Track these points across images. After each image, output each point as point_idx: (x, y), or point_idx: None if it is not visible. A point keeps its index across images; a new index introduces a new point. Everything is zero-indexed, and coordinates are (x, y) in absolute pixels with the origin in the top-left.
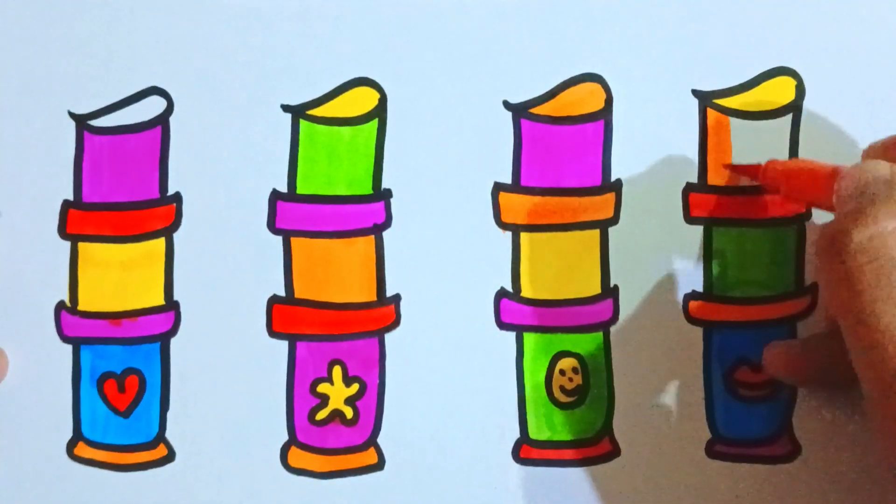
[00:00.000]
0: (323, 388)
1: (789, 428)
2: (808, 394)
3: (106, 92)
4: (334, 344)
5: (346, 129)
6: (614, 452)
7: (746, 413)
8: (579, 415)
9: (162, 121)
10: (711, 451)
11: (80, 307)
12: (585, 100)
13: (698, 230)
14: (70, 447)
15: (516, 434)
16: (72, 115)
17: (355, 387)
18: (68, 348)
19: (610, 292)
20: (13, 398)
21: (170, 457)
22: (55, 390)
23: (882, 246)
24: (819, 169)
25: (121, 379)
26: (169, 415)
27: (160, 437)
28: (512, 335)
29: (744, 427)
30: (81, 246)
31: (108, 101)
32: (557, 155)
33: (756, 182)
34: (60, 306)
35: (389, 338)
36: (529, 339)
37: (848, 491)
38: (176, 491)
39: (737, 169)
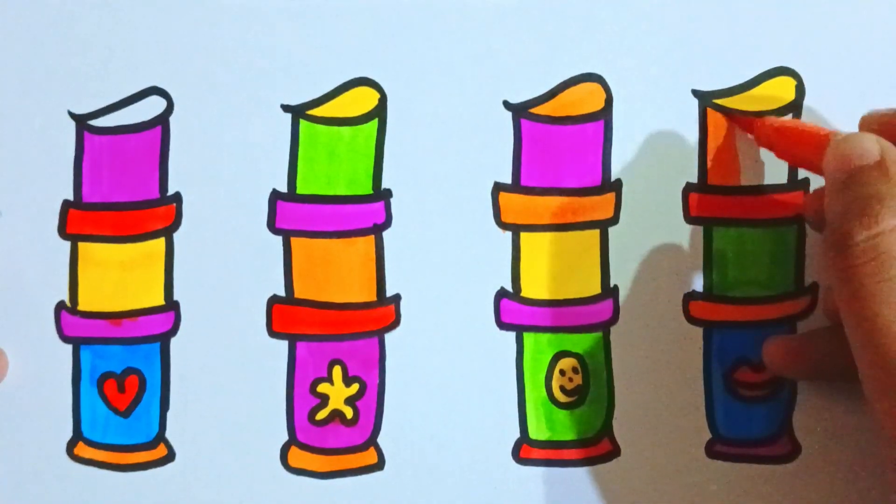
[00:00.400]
0: (323, 388)
1: (789, 428)
2: (808, 394)
3: (106, 92)
4: (334, 344)
5: (346, 129)
6: (614, 452)
7: (746, 413)
8: (579, 415)
9: (162, 121)
10: (711, 451)
11: (80, 307)
12: (585, 100)
13: (698, 230)
14: (70, 447)
15: (516, 434)
16: (72, 115)
17: (355, 387)
18: (68, 348)
19: (610, 292)
20: (13, 398)
21: (170, 457)
22: (55, 390)
23: (883, 244)
24: (812, 132)
25: (121, 379)
26: (169, 415)
27: (160, 437)
28: (512, 335)
29: (744, 427)
30: (81, 246)
31: (108, 101)
32: (557, 155)
33: (752, 137)
34: (60, 306)
35: (389, 338)
36: (529, 339)
37: (848, 491)
38: (176, 491)
39: (734, 119)
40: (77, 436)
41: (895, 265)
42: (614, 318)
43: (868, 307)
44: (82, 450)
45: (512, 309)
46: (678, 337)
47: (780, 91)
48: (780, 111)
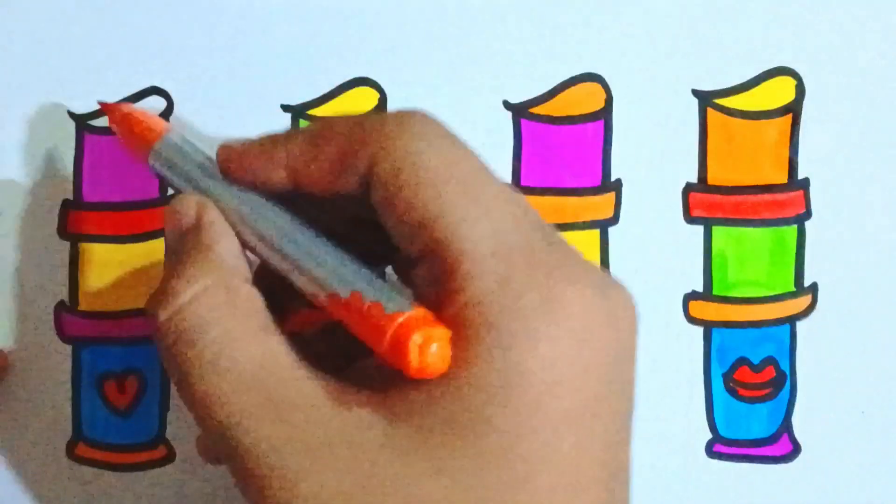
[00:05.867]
0: None
1: (789, 428)
2: (808, 394)
3: (106, 92)
4: None
5: None
6: None
7: (746, 413)
8: None
9: None
10: (711, 451)
11: (80, 307)
12: (585, 100)
13: (698, 230)
14: (70, 447)
15: None
16: (72, 114)
17: None
18: (68, 348)
19: None
20: (13, 398)
21: (170, 457)
22: (55, 390)
23: (185, 320)
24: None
25: (121, 379)
26: (169, 415)
27: (160, 437)
28: None
29: (744, 427)
30: (82, 246)
31: (108, 100)
32: (557, 155)
33: None
34: (60, 306)
35: None
36: None
37: (848, 491)
38: (176, 491)
39: None
40: (77, 436)
41: (201, 339)
42: None
43: (189, 387)
44: (82, 450)
45: None
46: (678, 337)
47: (779, 91)
48: (780, 111)
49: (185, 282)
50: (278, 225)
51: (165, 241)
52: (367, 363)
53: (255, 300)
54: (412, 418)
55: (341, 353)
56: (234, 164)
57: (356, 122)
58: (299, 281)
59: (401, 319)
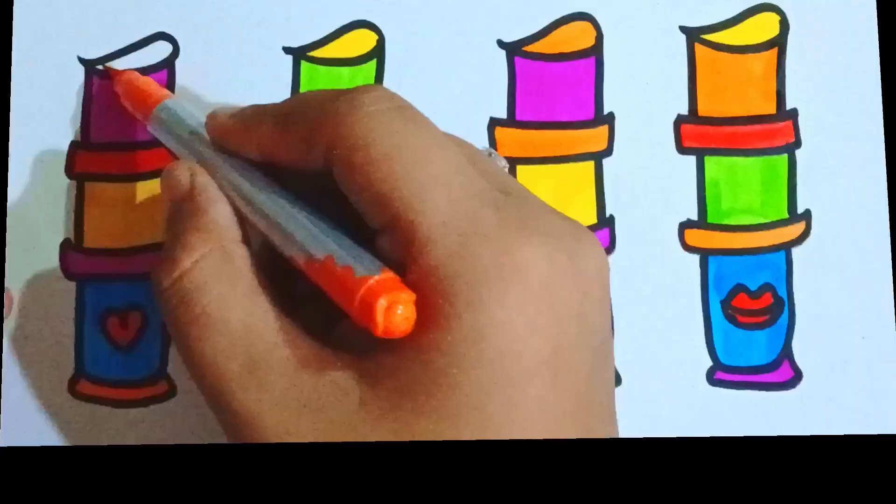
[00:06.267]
0: None
1: (790, 354)
2: (807, 320)
3: (114, 38)
4: None
5: (345, 70)
6: (615, 380)
7: (746, 340)
8: None
9: (168, 64)
10: (712, 378)
11: (85, 244)
12: (577, 38)
13: (691, 160)
14: (72, 384)
15: None
16: (81, 60)
17: None
18: (72, 285)
19: (606, 222)
20: (18, 336)
21: (171, 392)
22: (59, 327)
23: (185, 285)
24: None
25: (123, 315)
26: (171, 351)
27: (161, 373)
28: None
29: (744, 354)
30: (88, 185)
31: (115, 46)
32: (551, 91)
33: None
34: (65, 244)
35: None
36: None
37: (850, 417)
38: (176, 425)
39: None
40: (79, 372)
41: (199, 302)
42: (611, 247)
43: (188, 348)
44: (84, 386)
45: None
46: (675, 265)
47: (764, 26)
48: (765, 45)
49: (184, 249)
50: (262, 190)
51: (164, 206)
52: (351, 324)
53: (246, 262)
54: (385, 381)
55: (329, 313)
56: (219, 136)
57: (318, 104)
58: (280, 243)
59: (369, 283)
